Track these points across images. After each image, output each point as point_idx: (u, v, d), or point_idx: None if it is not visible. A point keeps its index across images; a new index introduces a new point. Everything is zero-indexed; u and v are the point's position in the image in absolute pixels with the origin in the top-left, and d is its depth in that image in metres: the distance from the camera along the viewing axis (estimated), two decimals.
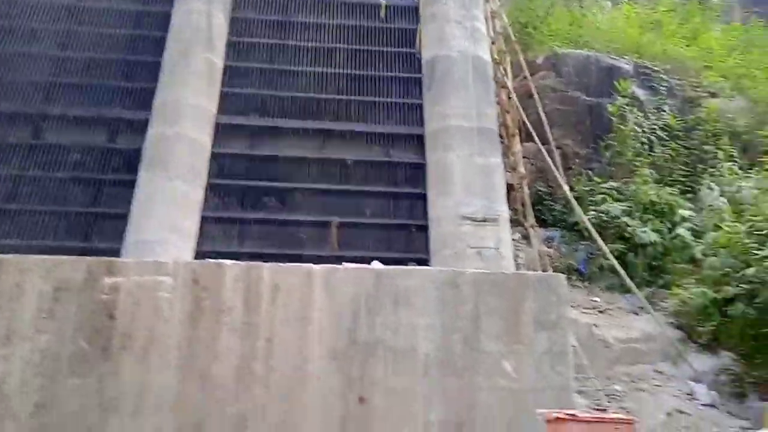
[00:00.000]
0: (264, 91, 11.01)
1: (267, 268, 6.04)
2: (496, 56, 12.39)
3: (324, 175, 10.44)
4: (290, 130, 10.70)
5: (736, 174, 12.14)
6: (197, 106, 10.22)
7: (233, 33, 11.46)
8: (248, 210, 10.02)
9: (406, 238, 10.38)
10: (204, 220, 9.60)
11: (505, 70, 12.71)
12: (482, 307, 7.21)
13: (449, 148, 10.57)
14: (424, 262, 9.76)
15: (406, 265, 8.13)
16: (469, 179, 10.26)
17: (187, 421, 5.61)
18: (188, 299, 5.77)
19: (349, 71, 11.55)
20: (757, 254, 9.68)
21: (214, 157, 10.20)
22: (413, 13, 12.22)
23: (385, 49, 11.92)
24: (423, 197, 10.49)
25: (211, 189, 9.95)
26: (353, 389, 6.04)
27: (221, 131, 10.46)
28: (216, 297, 5.80)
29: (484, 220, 9.74)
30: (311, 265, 6.25)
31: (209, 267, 5.98)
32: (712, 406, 8.73)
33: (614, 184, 12.67)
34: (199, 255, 8.85)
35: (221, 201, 9.96)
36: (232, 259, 6.43)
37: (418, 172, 10.78)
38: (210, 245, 9.35)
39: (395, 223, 10.40)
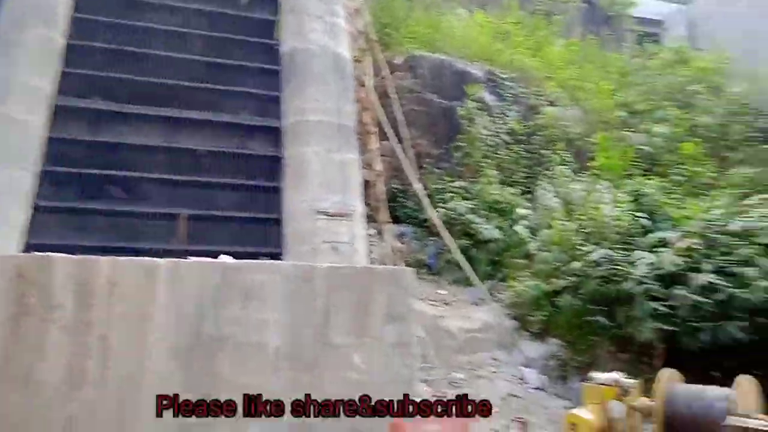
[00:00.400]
0: (110, 73, 10.33)
1: (104, 261, 5.67)
2: (356, 54, 12.59)
3: (174, 165, 10.03)
4: (138, 116, 10.15)
5: (569, 177, 13.30)
6: (30, 85, 9.37)
7: (78, 9, 10.63)
8: (88, 200, 9.36)
9: (261, 233, 10.28)
10: (36, 210, 8.82)
11: (365, 68, 12.95)
12: (334, 301, 7.30)
13: (307, 143, 10.60)
14: (278, 256, 9.71)
15: (260, 259, 8.02)
16: (326, 175, 10.37)
17: (4, 425, 5.15)
18: (11, 296, 5.27)
19: (205, 58, 11.18)
20: (582, 250, 10.71)
21: (51, 141, 9.42)
22: (273, 3, 12.09)
23: (243, 38, 11.68)
24: (279, 191, 10.43)
25: (45, 176, 9.17)
26: (197, 387, 5.87)
27: (59, 114, 9.68)
28: (44, 293, 5.36)
29: (340, 216, 9.90)
30: (154, 258, 5.97)
31: (36, 261, 5.51)
32: (540, 389, 9.56)
33: (463, 183, 13.39)
34: (30, 248, 8.12)
35: (57, 190, 9.22)
36: (68, 252, 5.97)
37: (274, 165, 10.69)
38: (43, 237, 8.60)
39: (250, 217, 10.25)
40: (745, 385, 5.59)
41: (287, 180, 10.44)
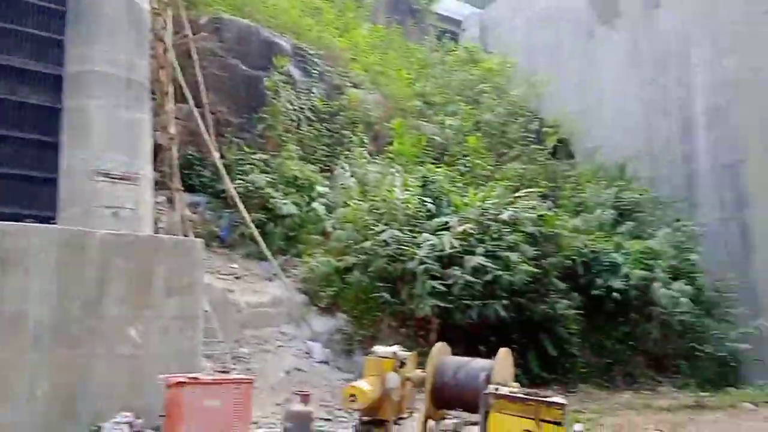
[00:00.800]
0: None
1: None
2: (155, 5, 11.63)
3: None
4: None
5: (366, 158, 13.76)
6: None
7: None
8: None
9: (30, 192, 9.08)
10: None
11: (165, 23, 12.03)
12: (110, 270, 6.77)
13: (91, 96, 9.56)
14: (49, 220, 8.68)
15: (25, 222, 7.10)
16: (111, 132, 9.46)
17: None
18: None
19: None
20: (373, 229, 11.19)
21: None
22: None
23: None
24: (55, 147, 9.29)
25: None
26: None
27: None
28: None
29: (124, 179, 9.12)
30: None
31: None
32: (325, 362, 9.82)
33: (263, 156, 13.15)
34: None
35: None
36: None
37: (51, 117, 9.48)
38: None
39: (16, 174, 8.99)
40: (505, 357, 6.26)
41: (66, 135, 9.33)
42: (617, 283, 12.25)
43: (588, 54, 20.10)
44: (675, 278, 12.95)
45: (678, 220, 15.06)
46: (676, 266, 13.39)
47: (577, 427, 8.19)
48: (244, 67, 14.22)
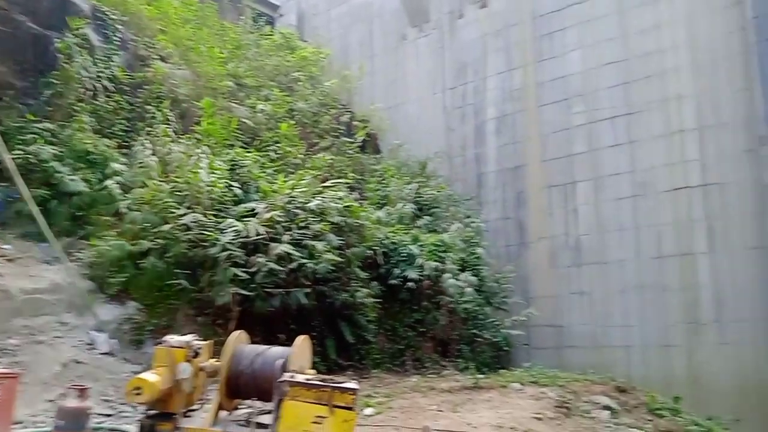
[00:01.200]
0: None
1: None
2: None
3: None
4: None
5: (170, 137, 12.95)
6: None
7: None
8: None
9: None
10: None
11: None
12: None
13: None
14: None
15: None
16: None
17: None
18: None
19: None
20: (174, 213, 10.63)
21: None
22: None
23: None
24: None
25: None
26: None
27: None
28: None
29: None
30: None
31: None
32: (110, 354, 9.08)
33: (50, 125, 11.78)
34: None
35: None
36: None
37: None
38: None
39: None
40: (302, 344, 6.34)
41: None
42: (412, 274, 13.05)
43: (398, 54, 21.02)
44: (462, 270, 14.11)
45: (468, 217, 16.42)
46: (464, 258, 14.60)
47: (368, 410, 8.66)
48: (31, 24, 12.61)
